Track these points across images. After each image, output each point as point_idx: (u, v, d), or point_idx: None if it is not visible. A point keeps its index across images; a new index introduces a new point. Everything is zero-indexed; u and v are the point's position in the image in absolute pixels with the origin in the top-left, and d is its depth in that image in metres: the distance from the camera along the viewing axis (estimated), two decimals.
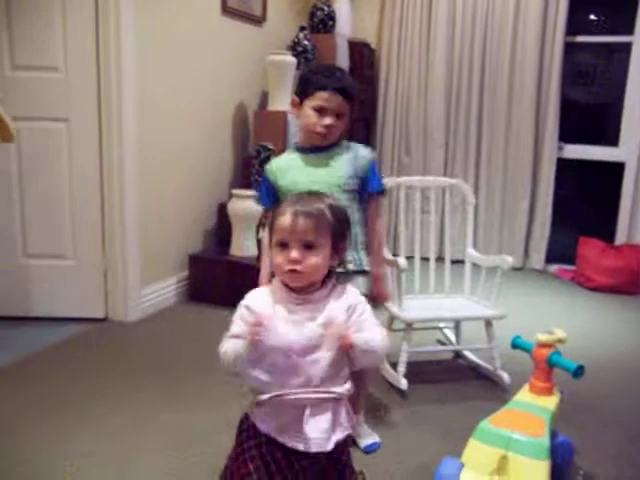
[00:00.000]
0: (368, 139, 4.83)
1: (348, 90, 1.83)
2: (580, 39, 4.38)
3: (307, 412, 1.30)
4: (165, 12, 3.20)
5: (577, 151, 4.46)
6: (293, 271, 1.29)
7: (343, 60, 4.32)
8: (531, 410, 1.81)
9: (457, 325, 2.87)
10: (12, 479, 1.84)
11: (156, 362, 2.67)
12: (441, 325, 3.00)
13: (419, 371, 2.69)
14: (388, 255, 2.52)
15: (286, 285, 1.34)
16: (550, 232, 4.45)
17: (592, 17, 4.67)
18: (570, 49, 4.33)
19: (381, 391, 2.50)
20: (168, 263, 3.41)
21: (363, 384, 2.09)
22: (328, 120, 1.81)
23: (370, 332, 1.32)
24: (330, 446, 1.31)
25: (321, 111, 1.81)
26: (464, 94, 4.47)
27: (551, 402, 1.86)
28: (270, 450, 1.32)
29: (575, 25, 4.30)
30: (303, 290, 1.33)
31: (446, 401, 2.41)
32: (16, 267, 3.05)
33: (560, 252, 4.49)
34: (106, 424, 2.16)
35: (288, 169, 1.88)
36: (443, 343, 2.99)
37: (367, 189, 1.91)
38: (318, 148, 1.88)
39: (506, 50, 4.31)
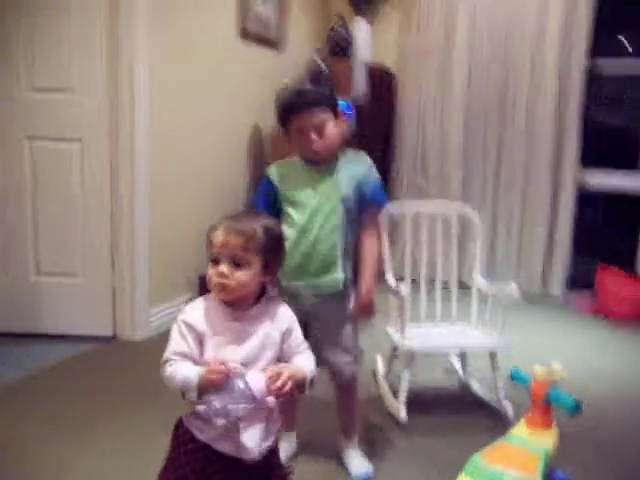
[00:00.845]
0: (386, 162, 4.81)
1: (315, 101, 1.83)
2: (602, 62, 4.32)
3: (242, 423, 1.34)
4: (180, 35, 3.26)
5: (598, 176, 4.38)
6: (221, 284, 1.36)
7: (361, 84, 4.32)
8: (526, 445, 1.76)
9: (463, 354, 2.81)
10: None
11: (161, 382, 2.67)
12: (449, 353, 2.94)
13: (421, 400, 2.63)
14: (391, 281, 2.50)
15: (222, 300, 1.39)
16: (570, 259, 4.36)
17: (620, 38, 4.61)
18: (595, 72, 4.27)
19: (380, 419, 2.45)
20: (177, 284, 3.43)
21: (351, 410, 2.08)
22: (312, 136, 1.81)
23: (303, 358, 1.45)
24: (263, 453, 1.39)
25: (303, 132, 1.82)
26: (482, 118, 4.43)
27: (548, 437, 1.81)
28: (206, 455, 1.37)
29: (602, 47, 4.24)
30: (236, 305, 1.40)
31: (446, 432, 2.35)
32: (28, 284, 3.09)
33: (580, 280, 4.39)
34: (110, 444, 2.17)
35: (290, 175, 1.90)
36: (451, 371, 2.94)
37: (366, 203, 1.90)
38: (322, 161, 1.89)
39: (525, 74, 4.27)
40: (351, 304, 1.93)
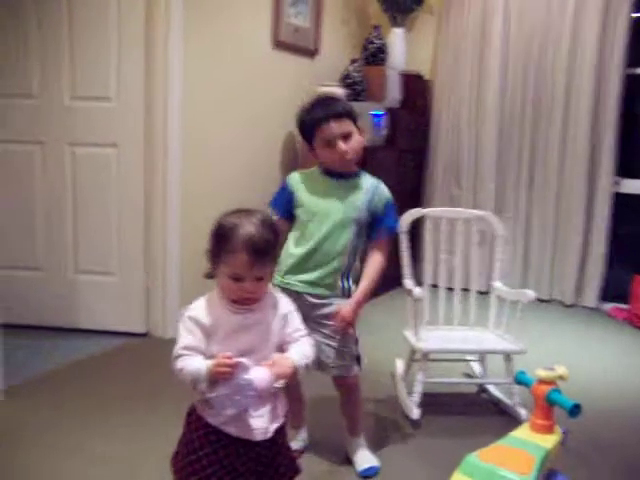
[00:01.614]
0: (420, 170, 4.84)
1: (343, 111, 1.91)
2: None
3: (251, 408, 1.44)
4: (214, 44, 3.39)
5: (635, 186, 4.30)
6: (247, 299, 1.45)
7: (394, 91, 4.39)
8: (524, 447, 1.77)
9: (482, 358, 2.83)
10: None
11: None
12: (468, 358, 2.96)
13: (438, 402, 2.67)
14: (408, 284, 2.54)
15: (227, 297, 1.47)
16: (605, 269, 4.30)
17: None
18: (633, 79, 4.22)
19: (394, 419, 2.50)
20: (208, 284, 3.53)
21: (354, 408, 2.13)
22: (342, 146, 1.88)
23: (303, 345, 1.53)
24: (270, 434, 1.49)
25: (331, 143, 1.89)
26: (516, 126, 4.42)
27: (549, 441, 1.82)
28: (218, 438, 1.46)
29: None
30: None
31: (458, 435, 2.37)
32: (66, 281, 3.27)
33: (615, 290, 4.32)
34: (131, 432, 2.29)
35: (307, 187, 1.97)
36: (470, 376, 2.95)
37: (378, 225, 1.97)
38: (341, 175, 1.96)
39: (561, 82, 4.25)
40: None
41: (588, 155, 4.23)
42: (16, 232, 3.25)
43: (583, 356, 3.38)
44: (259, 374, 1.41)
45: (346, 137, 1.90)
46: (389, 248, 2.02)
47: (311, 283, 1.94)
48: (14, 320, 3.15)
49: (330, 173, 1.97)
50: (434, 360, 2.78)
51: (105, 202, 3.21)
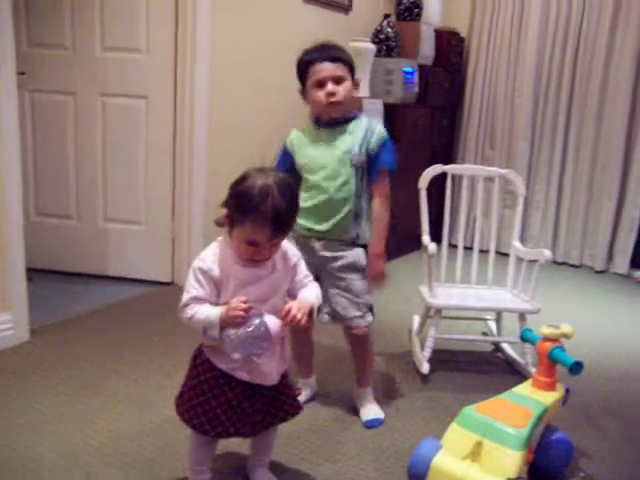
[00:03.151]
0: (453, 128, 4.77)
1: (336, 55, 1.91)
2: None
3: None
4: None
5: None
6: (260, 260, 1.48)
7: (428, 48, 4.30)
8: (523, 402, 1.80)
9: (498, 318, 2.83)
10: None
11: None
12: (486, 317, 2.96)
13: (452, 359, 2.70)
14: (425, 239, 2.55)
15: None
16: (637, 235, 4.19)
17: None
18: None
19: (405, 373, 2.54)
20: None
21: (364, 360, 2.16)
22: (330, 87, 1.89)
23: (313, 288, 1.59)
24: (278, 378, 1.58)
25: (321, 84, 1.90)
26: (553, 87, 4.29)
27: (549, 397, 1.84)
28: (226, 381, 1.52)
29: None
30: None
31: (467, 391, 2.40)
32: (97, 230, 3.37)
33: None
34: (145, 372, 2.39)
35: (302, 143, 2.00)
36: (487, 335, 2.96)
37: (376, 166, 1.96)
38: (334, 122, 1.96)
39: (602, 41, 4.09)
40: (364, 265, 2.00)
41: (626, 118, 4.09)
42: (48, 180, 3.35)
43: (607, 321, 3.35)
44: (271, 320, 1.45)
45: (337, 81, 1.90)
46: (388, 188, 1.99)
47: (323, 233, 1.96)
48: (45, 265, 3.31)
49: (323, 123, 1.98)
50: (452, 318, 2.81)
51: (134, 153, 3.27)
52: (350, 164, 1.93)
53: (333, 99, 1.90)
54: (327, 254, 1.99)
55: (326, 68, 1.89)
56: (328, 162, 1.94)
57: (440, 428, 1.82)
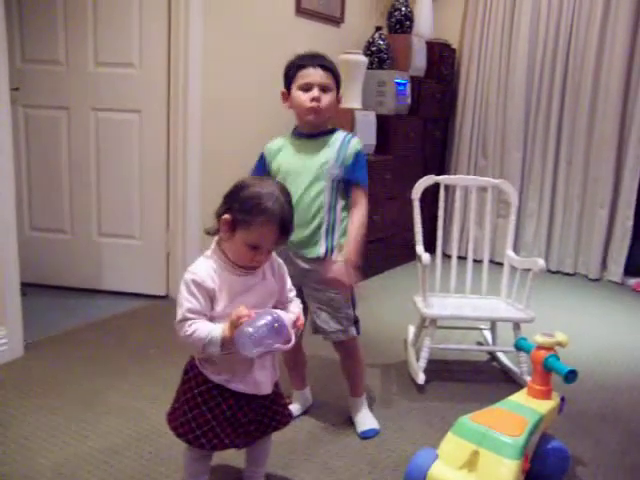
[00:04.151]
0: (446, 139, 4.80)
1: (327, 64, 1.92)
2: None
3: (256, 363, 1.52)
4: (236, 11, 3.41)
5: None
6: (255, 266, 1.50)
7: (419, 60, 4.34)
8: (518, 411, 1.80)
9: (493, 327, 2.83)
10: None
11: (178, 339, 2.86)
12: (481, 326, 2.97)
13: (447, 369, 2.70)
14: (418, 249, 2.56)
15: (229, 260, 1.50)
16: (631, 243, 4.21)
17: None
18: None
19: (401, 384, 2.54)
20: None
21: (354, 371, 2.15)
22: (315, 92, 1.89)
23: (296, 304, 1.62)
24: (272, 387, 1.60)
25: (307, 88, 1.90)
26: (545, 97, 4.34)
27: (544, 406, 1.84)
28: (220, 393, 1.53)
29: None
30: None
31: (463, 400, 2.40)
32: (91, 244, 3.37)
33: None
34: (145, 385, 2.38)
35: (279, 152, 1.99)
36: (482, 344, 2.96)
37: (350, 179, 1.95)
38: (311, 135, 1.96)
39: (591, 52, 4.14)
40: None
41: (617, 127, 4.13)
42: (42, 195, 3.36)
43: (602, 329, 3.36)
44: (283, 313, 1.45)
45: (323, 89, 1.91)
46: (364, 200, 1.97)
47: (297, 244, 1.94)
48: (39, 280, 3.31)
49: (302, 134, 1.98)
50: (447, 327, 2.82)
51: (128, 167, 3.28)
52: (325, 176, 1.92)
53: (315, 104, 1.90)
54: (306, 267, 1.96)
55: (316, 74, 1.90)
56: (303, 172, 1.93)
57: (436, 438, 1.82)
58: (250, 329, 1.37)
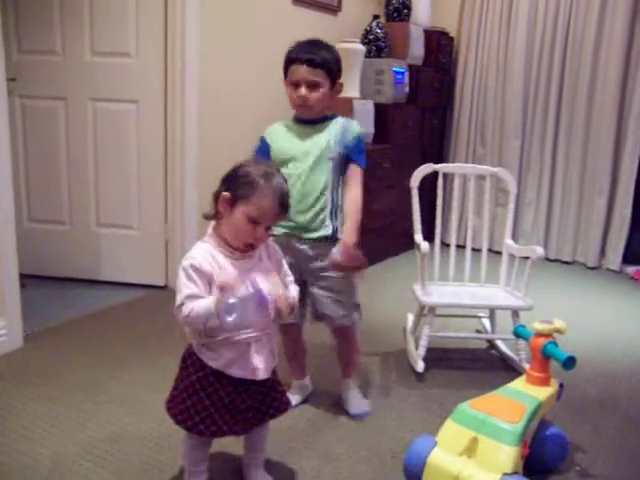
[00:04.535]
0: (444, 127, 4.79)
1: (317, 60, 1.90)
2: None
3: (253, 348, 1.54)
4: (232, 2, 3.38)
5: None
6: (251, 245, 1.52)
7: (417, 48, 4.32)
8: (517, 398, 1.81)
9: (492, 315, 2.84)
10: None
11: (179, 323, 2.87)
12: (480, 314, 2.98)
13: (446, 357, 2.71)
14: (417, 238, 2.56)
15: (227, 243, 1.52)
16: (629, 232, 4.21)
17: None
18: None
19: (400, 372, 2.55)
20: None
21: (348, 354, 2.18)
22: (302, 91, 1.90)
23: (291, 288, 1.62)
24: (269, 372, 1.60)
25: (297, 85, 1.91)
26: (543, 85, 4.32)
27: (543, 392, 1.84)
28: (218, 379, 1.54)
29: None
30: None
31: (461, 388, 2.41)
32: (90, 235, 3.37)
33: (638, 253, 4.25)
34: (140, 375, 2.39)
35: (279, 136, 2.01)
36: (480, 332, 2.97)
37: (350, 161, 1.97)
38: (311, 120, 1.97)
39: (589, 41, 4.12)
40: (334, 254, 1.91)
41: (615, 116, 4.12)
42: (40, 186, 3.35)
43: (601, 317, 3.37)
44: (265, 286, 1.45)
45: (311, 86, 1.91)
46: (359, 180, 1.98)
47: (303, 226, 1.95)
48: (38, 271, 3.30)
49: (301, 120, 2.00)
50: (446, 316, 2.83)
51: (125, 157, 3.27)
52: (328, 158, 1.94)
53: (302, 103, 1.92)
54: (309, 252, 1.98)
55: (302, 72, 1.90)
56: (306, 155, 1.94)
57: (435, 425, 1.82)
58: (230, 298, 1.39)
